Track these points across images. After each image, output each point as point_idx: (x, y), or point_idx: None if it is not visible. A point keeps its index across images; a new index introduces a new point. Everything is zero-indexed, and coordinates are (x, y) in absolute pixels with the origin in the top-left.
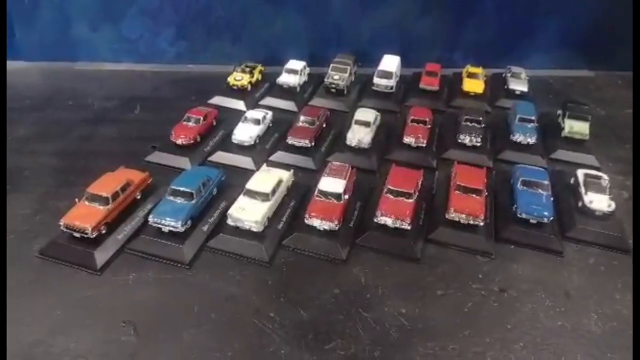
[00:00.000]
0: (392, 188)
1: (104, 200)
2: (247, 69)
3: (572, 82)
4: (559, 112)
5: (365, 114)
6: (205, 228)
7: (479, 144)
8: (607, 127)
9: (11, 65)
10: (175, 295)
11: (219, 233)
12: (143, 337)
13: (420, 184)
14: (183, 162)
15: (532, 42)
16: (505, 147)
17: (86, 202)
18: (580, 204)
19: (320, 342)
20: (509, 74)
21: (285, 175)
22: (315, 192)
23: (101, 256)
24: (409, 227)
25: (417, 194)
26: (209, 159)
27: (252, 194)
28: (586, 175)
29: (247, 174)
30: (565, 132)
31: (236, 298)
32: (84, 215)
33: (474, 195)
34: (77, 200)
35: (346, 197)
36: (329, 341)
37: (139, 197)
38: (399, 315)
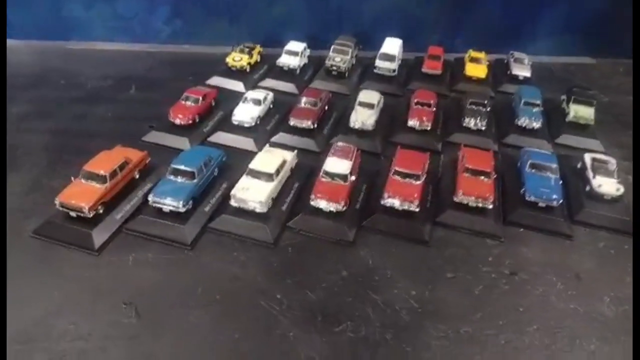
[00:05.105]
0: (399, 170)
1: (101, 179)
2: (246, 50)
3: (574, 69)
4: (563, 97)
5: (369, 95)
6: (206, 209)
7: (483, 128)
8: (611, 113)
9: None
10: (178, 276)
11: (222, 214)
12: (145, 319)
13: (427, 166)
14: (181, 142)
15: (534, 27)
16: (510, 131)
17: (82, 181)
18: (588, 188)
19: (329, 324)
20: (512, 60)
21: (289, 156)
22: (321, 173)
23: (99, 236)
24: (417, 209)
25: (424, 175)
26: (209, 139)
27: (256, 174)
28: (594, 159)
29: (248, 155)
30: (570, 117)
31: (241, 279)
32: (81, 194)
33: (482, 177)
34: (72, 178)
35: (352, 178)
36: (338, 323)
37: (137, 176)
38: (408, 297)
